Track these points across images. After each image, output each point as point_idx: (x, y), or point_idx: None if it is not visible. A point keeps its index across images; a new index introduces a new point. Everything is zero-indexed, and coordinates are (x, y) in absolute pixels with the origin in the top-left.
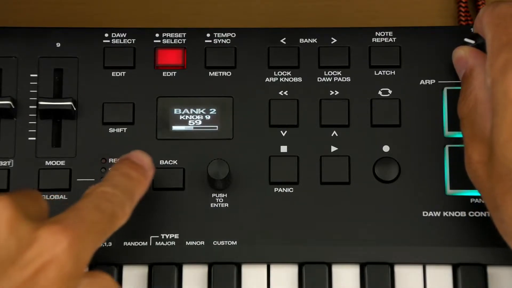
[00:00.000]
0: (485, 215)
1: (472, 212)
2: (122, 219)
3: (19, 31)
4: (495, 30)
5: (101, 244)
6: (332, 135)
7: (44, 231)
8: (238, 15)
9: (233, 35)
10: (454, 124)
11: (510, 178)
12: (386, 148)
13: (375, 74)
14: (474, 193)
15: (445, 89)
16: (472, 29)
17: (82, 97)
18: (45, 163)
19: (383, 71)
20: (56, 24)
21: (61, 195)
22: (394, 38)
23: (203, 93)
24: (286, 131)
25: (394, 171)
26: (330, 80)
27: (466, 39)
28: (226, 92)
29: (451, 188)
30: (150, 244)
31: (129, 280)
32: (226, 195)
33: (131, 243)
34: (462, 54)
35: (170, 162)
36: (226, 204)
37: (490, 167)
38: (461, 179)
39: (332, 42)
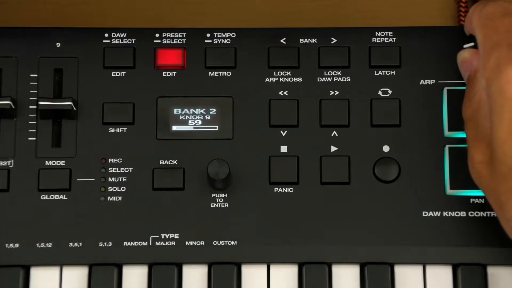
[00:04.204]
0: (485, 215)
1: (472, 212)
2: None
3: (19, 31)
4: (485, 31)
5: None
6: (332, 135)
7: None
8: (238, 15)
9: (233, 35)
10: (454, 124)
11: None
12: (386, 148)
13: (375, 74)
14: (474, 193)
15: (445, 89)
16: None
17: (82, 97)
18: (45, 163)
19: (383, 71)
20: (56, 24)
21: (61, 195)
22: (394, 38)
23: (203, 93)
24: (286, 131)
25: (394, 171)
26: (330, 80)
27: (465, 46)
28: (226, 92)
29: (451, 188)
30: (150, 244)
31: (129, 280)
32: (226, 195)
33: (131, 243)
34: (467, 56)
35: (170, 162)
36: (226, 204)
37: (492, 166)
38: (461, 179)
39: (332, 42)
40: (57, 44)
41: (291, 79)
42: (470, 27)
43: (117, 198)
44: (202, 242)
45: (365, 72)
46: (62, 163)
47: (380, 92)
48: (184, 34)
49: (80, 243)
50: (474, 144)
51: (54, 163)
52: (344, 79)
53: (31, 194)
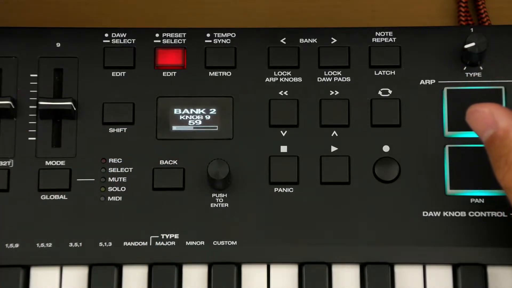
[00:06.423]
0: (485, 215)
1: (472, 212)
2: None
3: (19, 31)
4: None
5: None
6: (332, 135)
7: None
8: (238, 15)
9: (233, 35)
10: (454, 124)
11: None
12: (386, 148)
13: (375, 74)
14: (474, 193)
15: (445, 89)
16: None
17: (82, 97)
18: (45, 163)
19: (383, 71)
20: (56, 24)
21: (61, 195)
22: (394, 38)
23: (203, 93)
24: (286, 131)
25: (394, 171)
26: (330, 80)
27: (466, 45)
28: (226, 92)
29: (451, 188)
30: (150, 244)
31: (129, 280)
32: (226, 195)
33: (131, 243)
34: (487, 112)
35: (170, 162)
36: (226, 204)
37: None
38: (461, 179)
39: (332, 42)
40: (57, 44)
41: (291, 79)
42: (494, 126)
43: (117, 198)
44: (202, 242)
45: (365, 72)
46: (62, 163)
47: (380, 92)
48: (184, 34)
49: (80, 243)
50: None
51: (54, 163)
52: (344, 79)
53: (31, 194)
